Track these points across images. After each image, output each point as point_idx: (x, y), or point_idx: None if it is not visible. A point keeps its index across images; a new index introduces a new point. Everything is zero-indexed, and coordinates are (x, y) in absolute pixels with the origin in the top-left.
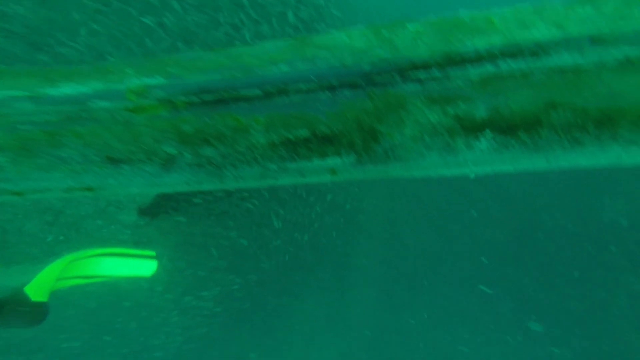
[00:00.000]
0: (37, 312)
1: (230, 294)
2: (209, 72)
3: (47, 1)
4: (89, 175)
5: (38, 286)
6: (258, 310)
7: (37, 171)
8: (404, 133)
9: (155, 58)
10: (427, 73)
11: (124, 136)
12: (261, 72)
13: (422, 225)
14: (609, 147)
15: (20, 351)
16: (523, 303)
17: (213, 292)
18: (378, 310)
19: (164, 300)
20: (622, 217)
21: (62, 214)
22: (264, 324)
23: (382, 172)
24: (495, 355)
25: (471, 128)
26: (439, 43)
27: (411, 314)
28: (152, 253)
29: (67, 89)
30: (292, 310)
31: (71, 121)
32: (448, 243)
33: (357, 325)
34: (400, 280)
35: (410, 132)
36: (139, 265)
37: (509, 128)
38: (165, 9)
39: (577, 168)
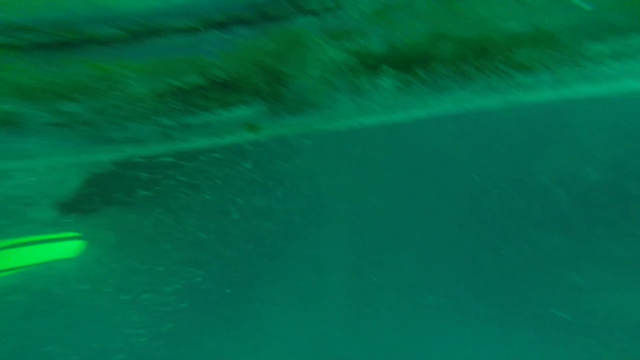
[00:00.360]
0: None
1: (194, 287)
2: (37, 10)
3: None
4: None
5: None
6: (227, 301)
7: None
8: (309, 74)
9: None
10: (320, 3)
11: None
12: (119, 9)
13: (386, 201)
14: (494, 82)
15: None
16: (473, 264)
17: (174, 287)
18: (351, 289)
19: (117, 301)
20: (546, 177)
21: None
22: (235, 314)
23: (301, 123)
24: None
25: (372, 65)
26: None
27: (383, 289)
28: (75, 234)
29: None
30: (262, 298)
31: None
32: (412, 217)
33: (332, 306)
34: (370, 257)
35: (315, 72)
36: (58, 249)
37: (406, 63)
38: None
39: (479, 109)
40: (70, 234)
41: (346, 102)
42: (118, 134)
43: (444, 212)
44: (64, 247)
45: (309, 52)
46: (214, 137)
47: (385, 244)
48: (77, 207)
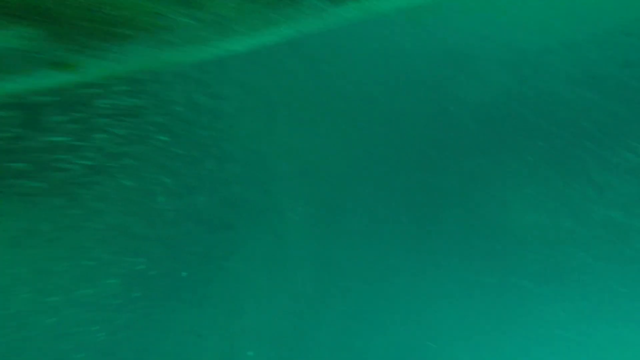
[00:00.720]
0: None
1: (141, 275)
2: None
3: None
4: None
5: None
6: (183, 283)
7: None
8: None
9: None
10: None
11: None
12: None
13: (327, 154)
14: None
15: None
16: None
17: (116, 279)
18: (311, 250)
19: (44, 304)
20: (445, 100)
21: None
22: (196, 295)
23: (146, 55)
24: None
25: None
26: None
27: (343, 245)
28: None
29: None
30: (221, 274)
31: None
32: (359, 168)
33: (294, 264)
34: (323, 215)
35: None
36: None
37: None
38: None
39: (346, 23)
40: None
41: (183, 20)
42: None
43: (361, 143)
44: None
45: None
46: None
47: (330, 190)
48: None
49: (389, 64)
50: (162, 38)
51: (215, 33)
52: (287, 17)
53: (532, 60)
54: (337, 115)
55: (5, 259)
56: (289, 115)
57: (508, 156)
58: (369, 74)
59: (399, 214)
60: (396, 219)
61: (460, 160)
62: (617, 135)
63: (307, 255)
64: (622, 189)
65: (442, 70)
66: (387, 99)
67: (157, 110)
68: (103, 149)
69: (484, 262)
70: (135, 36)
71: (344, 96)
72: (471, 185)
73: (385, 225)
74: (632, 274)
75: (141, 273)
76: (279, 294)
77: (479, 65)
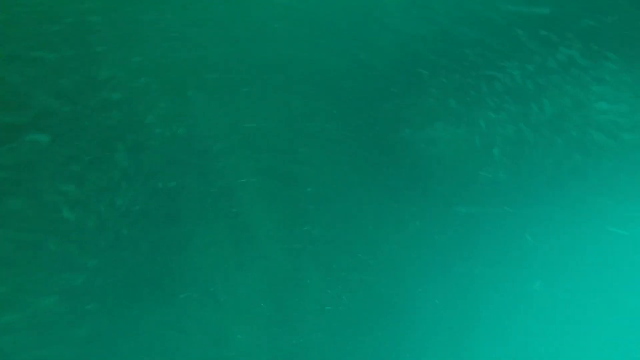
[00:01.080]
0: None
1: (85, 287)
2: None
3: None
4: None
5: None
6: (141, 286)
7: None
8: None
9: None
10: None
11: None
12: None
13: (253, 121)
14: None
15: None
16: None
17: (52, 297)
18: (270, 223)
19: None
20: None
21: None
22: (162, 294)
23: None
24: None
25: None
26: None
27: (301, 208)
28: None
29: None
30: (181, 268)
31: None
32: (289, 126)
33: (259, 247)
34: (271, 182)
35: None
36: None
37: None
38: None
39: None
40: None
41: None
42: None
43: (284, 102)
44: None
45: None
46: None
47: (270, 155)
48: None
49: (295, 18)
50: None
51: None
52: None
53: (421, 2)
54: (252, 78)
55: None
56: (201, 89)
57: (419, 93)
58: (276, 29)
59: (342, 165)
60: (341, 170)
61: (380, 103)
62: (496, 65)
63: (268, 229)
64: (509, 108)
65: (346, 20)
66: (300, 55)
67: (8, 107)
68: None
69: (416, 193)
70: None
71: (252, 55)
72: (394, 124)
73: (333, 178)
74: (526, 183)
75: (84, 285)
76: (251, 274)
77: (378, 10)
